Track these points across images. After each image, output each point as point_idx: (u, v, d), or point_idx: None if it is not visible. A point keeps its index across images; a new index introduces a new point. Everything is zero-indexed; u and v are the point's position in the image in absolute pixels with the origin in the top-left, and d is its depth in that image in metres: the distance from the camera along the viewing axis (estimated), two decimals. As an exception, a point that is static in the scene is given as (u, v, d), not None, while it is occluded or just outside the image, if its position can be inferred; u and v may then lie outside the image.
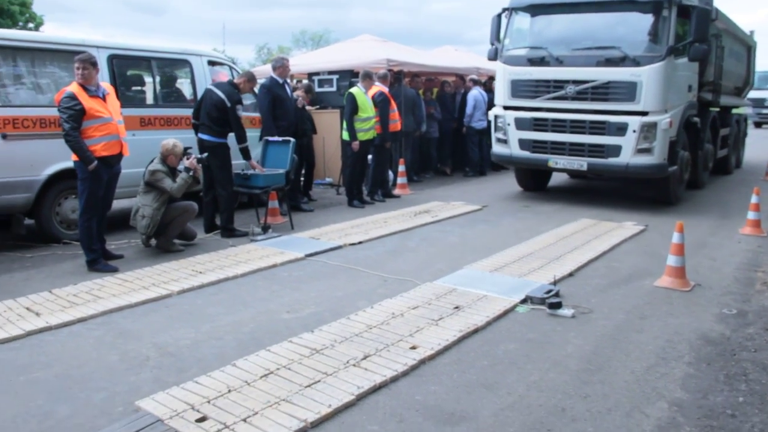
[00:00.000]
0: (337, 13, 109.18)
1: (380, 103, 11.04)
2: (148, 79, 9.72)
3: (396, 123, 11.67)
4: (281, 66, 9.91)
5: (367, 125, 10.63)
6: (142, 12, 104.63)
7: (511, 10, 11.20)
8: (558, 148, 10.56)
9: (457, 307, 5.52)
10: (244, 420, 3.58)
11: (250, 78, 8.85)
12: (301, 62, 14.83)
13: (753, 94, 35.97)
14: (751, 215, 8.74)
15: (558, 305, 5.49)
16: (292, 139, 9.10)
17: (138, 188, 7.71)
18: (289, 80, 10.52)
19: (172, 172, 7.65)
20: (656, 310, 5.55)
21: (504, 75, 11.10)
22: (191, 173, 7.62)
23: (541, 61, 10.58)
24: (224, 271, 6.70)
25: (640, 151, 9.77)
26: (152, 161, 7.64)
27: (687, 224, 6.73)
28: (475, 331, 5.03)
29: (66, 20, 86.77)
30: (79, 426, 3.63)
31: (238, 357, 4.50)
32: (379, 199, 11.37)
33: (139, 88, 9.67)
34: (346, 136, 10.65)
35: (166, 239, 7.71)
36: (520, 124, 10.92)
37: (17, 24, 36.75)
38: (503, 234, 8.61)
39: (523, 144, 10.94)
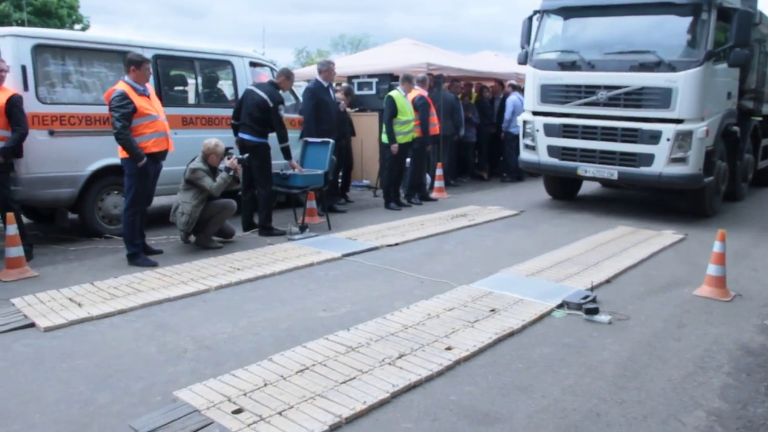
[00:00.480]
0: (374, 17, 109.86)
1: (420, 107, 11.08)
2: (190, 80, 9.87)
3: (435, 127, 11.68)
4: (327, 70, 9.97)
5: (406, 128, 10.66)
6: (183, 15, 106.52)
7: (543, 12, 10.86)
8: (588, 155, 10.17)
9: (493, 310, 5.51)
10: (280, 413, 3.63)
11: (288, 75, 8.94)
12: (342, 65, 14.88)
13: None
14: (795, 226, 8.59)
15: (595, 311, 5.44)
16: (331, 141, 9.17)
17: (178, 186, 7.84)
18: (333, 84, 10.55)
19: (213, 171, 7.76)
20: (695, 319, 5.48)
21: (533, 79, 10.77)
22: (231, 173, 7.73)
23: (572, 65, 10.22)
24: (262, 268, 6.78)
25: (674, 160, 9.32)
26: (193, 159, 7.76)
27: (729, 234, 6.62)
28: (511, 334, 5.02)
29: (110, 22, 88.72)
30: (119, 413, 3.71)
31: (274, 352, 4.55)
32: (416, 202, 11.38)
33: (181, 87, 9.81)
34: (385, 138, 10.68)
35: (205, 236, 7.82)
36: (549, 130, 10.58)
37: (65, 26, 37.68)
38: (540, 239, 8.56)
39: (552, 151, 10.60)
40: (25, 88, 7.57)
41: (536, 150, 10.80)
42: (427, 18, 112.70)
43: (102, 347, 4.72)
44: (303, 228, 8.61)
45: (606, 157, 9.96)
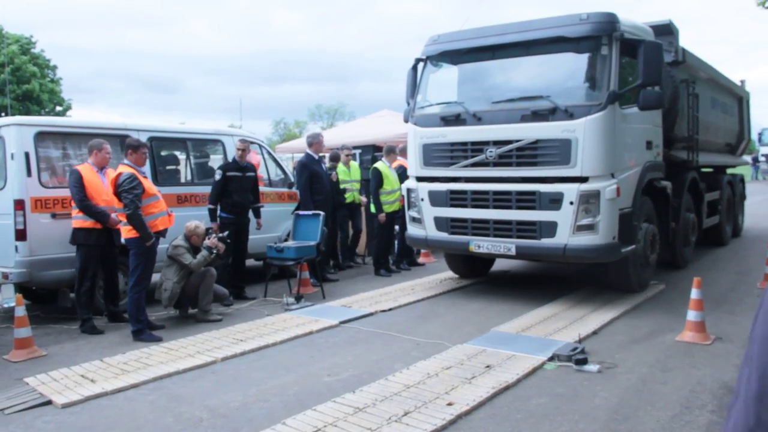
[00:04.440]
0: (347, 86, 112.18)
1: (401, 176, 11.46)
2: (184, 159, 10.27)
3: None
4: (317, 142, 10.52)
5: (392, 197, 11.05)
6: (156, 91, 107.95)
7: (426, 60, 9.20)
8: (481, 227, 8.44)
9: (488, 367, 5.80)
10: (300, 470, 3.87)
11: (243, 147, 9.43)
12: (325, 138, 15.43)
13: (766, 150, 36.46)
14: (769, 270, 9.02)
15: (584, 361, 5.76)
16: (321, 213, 9.55)
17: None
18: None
19: (195, 250, 8.11)
20: (678, 363, 5.82)
21: (414, 138, 9.04)
22: (214, 252, 8.10)
23: (456, 120, 8.53)
24: (264, 338, 7.03)
25: (581, 228, 7.64)
26: (176, 238, 8.13)
27: (705, 281, 7.00)
28: (507, 387, 5.32)
29: (85, 101, 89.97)
30: (148, 479, 3.94)
31: (286, 417, 4.80)
32: (405, 267, 11.70)
33: (175, 167, 10.20)
34: (373, 208, 11.05)
35: (202, 311, 8.08)
36: (435, 198, 8.81)
37: (45, 109, 38.37)
38: (526, 297, 8.86)
39: (440, 223, 8.83)
40: (29, 173, 7.91)
41: (422, 223, 9.06)
42: (396, 84, 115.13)
43: (120, 420, 4.95)
44: (299, 298, 8.88)
45: (501, 229, 8.28)
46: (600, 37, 7.73)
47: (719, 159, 13.32)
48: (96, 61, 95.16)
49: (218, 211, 9.20)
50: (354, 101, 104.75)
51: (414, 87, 9.28)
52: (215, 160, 11.01)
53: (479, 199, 8.39)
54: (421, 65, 9.26)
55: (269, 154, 11.44)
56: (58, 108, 40.35)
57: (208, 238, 8.20)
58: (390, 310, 8.35)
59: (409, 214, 9.30)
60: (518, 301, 8.71)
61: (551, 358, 6.00)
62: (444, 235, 8.81)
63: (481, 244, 8.36)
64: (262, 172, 11.25)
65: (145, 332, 7.27)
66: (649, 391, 5.17)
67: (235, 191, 9.16)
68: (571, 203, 7.61)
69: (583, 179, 7.63)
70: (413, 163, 9.12)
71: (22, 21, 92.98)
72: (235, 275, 9.37)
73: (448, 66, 9.26)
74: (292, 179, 11.29)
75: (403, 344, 6.79)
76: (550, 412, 4.78)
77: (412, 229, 9.31)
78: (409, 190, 9.25)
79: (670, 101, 9.10)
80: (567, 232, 7.69)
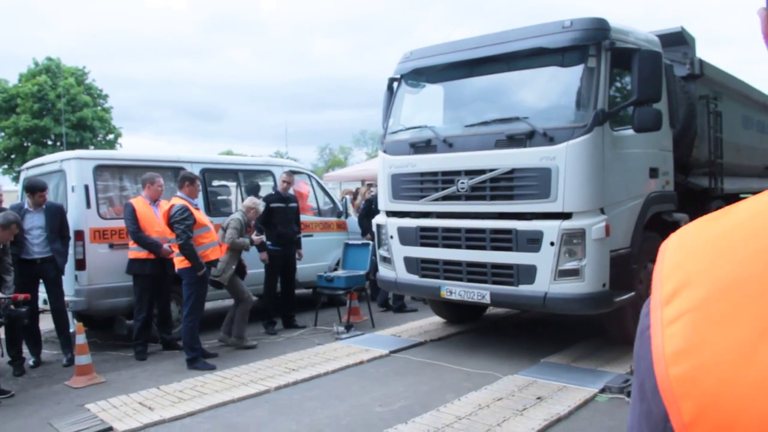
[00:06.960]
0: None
1: None
2: (235, 189, 10.50)
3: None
4: None
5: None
6: (201, 119, 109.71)
7: (400, 79, 8.23)
8: (453, 270, 7.38)
9: (539, 398, 5.80)
10: (356, 502, 3.93)
11: (284, 179, 9.64)
12: (368, 167, 15.58)
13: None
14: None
15: (637, 394, 5.70)
16: (370, 242, 9.68)
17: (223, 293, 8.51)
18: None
19: (246, 228, 8.50)
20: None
21: (384, 168, 8.07)
22: (249, 243, 8.44)
23: (426, 146, 7.54)
24: (315, 368, 7.12)
25: (564, 273, 6.47)
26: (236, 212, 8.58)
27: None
28: (559, 419, 5.32)
29: (132, 129, 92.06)
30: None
31: (340, 447, 4.87)
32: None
33: (226, 197, 10.44)
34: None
35: (238, 338, 8.32)
36: (405, 236, 7.81)
37: (97, 137, 39.53)
38: (576, 327, 8.78)
39: (410, 264, 7.80)
40: (88, 205, 8.18)
41: (392, 263, 8.04)
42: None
43: (179, 448, 5.08)
44: (349, 327, 8.98)
45: (475, 272, 7.19)
46: (586, 46, 6.60)
47: (756, 185, 11.14)
48: (142, 90, 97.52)
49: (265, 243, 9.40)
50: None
51: (388, 110, 8.36)
52: (266, 190, 11.25)
53: (451, 238, 7.36)
54: (396, 85, 8.32)
55: (318, 183, 11.63)
56: (110, 136, 41.44)
57: (255, 234, 8.61)
58: (439, 339, 8.39)
59: (380, 253, 8.36)
60: (567, 331, 8.66)
61: (603, 390, 5.97)
62: (414, 278, 7.79)
63: (453, 290, 7.31)
64: (311, 202, 11.43)
65: (199, 360, 7.43)
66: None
67: (280, 222, 9.34)
68: (552, 244, 6.49)
69: (566, 215, 6.50)
70: (382, 196, 8.18)
71: (76, 53, 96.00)
72: (285, 304, 9.53)
73: (423, 85, 8.35)
74: (341, 208, 11.46)
75: (453, 375, 6.82)
76: (604, 447, 4.77)
77: (383, 270, 8.32)
78: (378, 226, 8.29)
79: (684, 120, 8.14)
80: (548, 277, 6.55)
